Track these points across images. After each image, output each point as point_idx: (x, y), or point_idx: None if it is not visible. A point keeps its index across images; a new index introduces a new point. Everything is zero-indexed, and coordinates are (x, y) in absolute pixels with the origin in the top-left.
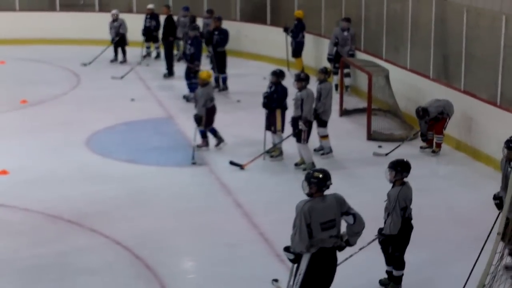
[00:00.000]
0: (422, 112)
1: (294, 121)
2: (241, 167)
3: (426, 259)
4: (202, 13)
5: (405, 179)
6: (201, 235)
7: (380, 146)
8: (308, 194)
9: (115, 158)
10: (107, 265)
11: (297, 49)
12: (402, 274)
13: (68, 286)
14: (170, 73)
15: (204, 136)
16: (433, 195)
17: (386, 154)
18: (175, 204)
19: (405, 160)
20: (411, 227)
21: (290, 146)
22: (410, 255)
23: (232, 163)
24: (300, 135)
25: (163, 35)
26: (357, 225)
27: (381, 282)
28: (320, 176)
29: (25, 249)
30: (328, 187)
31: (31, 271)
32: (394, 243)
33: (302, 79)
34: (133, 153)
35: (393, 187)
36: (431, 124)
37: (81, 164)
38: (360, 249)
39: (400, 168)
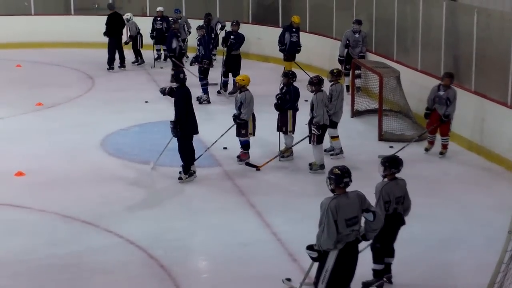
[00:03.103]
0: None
1: (310, 124)
2: (257, 168)
3: (438, 259)
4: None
5: (397, 175)
6: (214, 235)
7: (391, 147)
8: (331, 190)
9: (130, 159)
10: (122, 265)
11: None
12: (382, 269)
13: (83, 286)
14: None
15: (246, 148)
16: (445, 195)
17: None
18: (189, 205)
19: (395, 156)
20: (399, 223)
21: (304, 147)
22: (422, 254)
23: (248, 164)
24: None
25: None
26: (376, 222)
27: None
28: (338, 173)
29: (41, 249)
30: (346, 184)
31: (47, 271)
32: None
33: (313, 83)
34: (147, 155)
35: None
36: (436, 126)
37: (96, 165)
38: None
39: (388, 164)
